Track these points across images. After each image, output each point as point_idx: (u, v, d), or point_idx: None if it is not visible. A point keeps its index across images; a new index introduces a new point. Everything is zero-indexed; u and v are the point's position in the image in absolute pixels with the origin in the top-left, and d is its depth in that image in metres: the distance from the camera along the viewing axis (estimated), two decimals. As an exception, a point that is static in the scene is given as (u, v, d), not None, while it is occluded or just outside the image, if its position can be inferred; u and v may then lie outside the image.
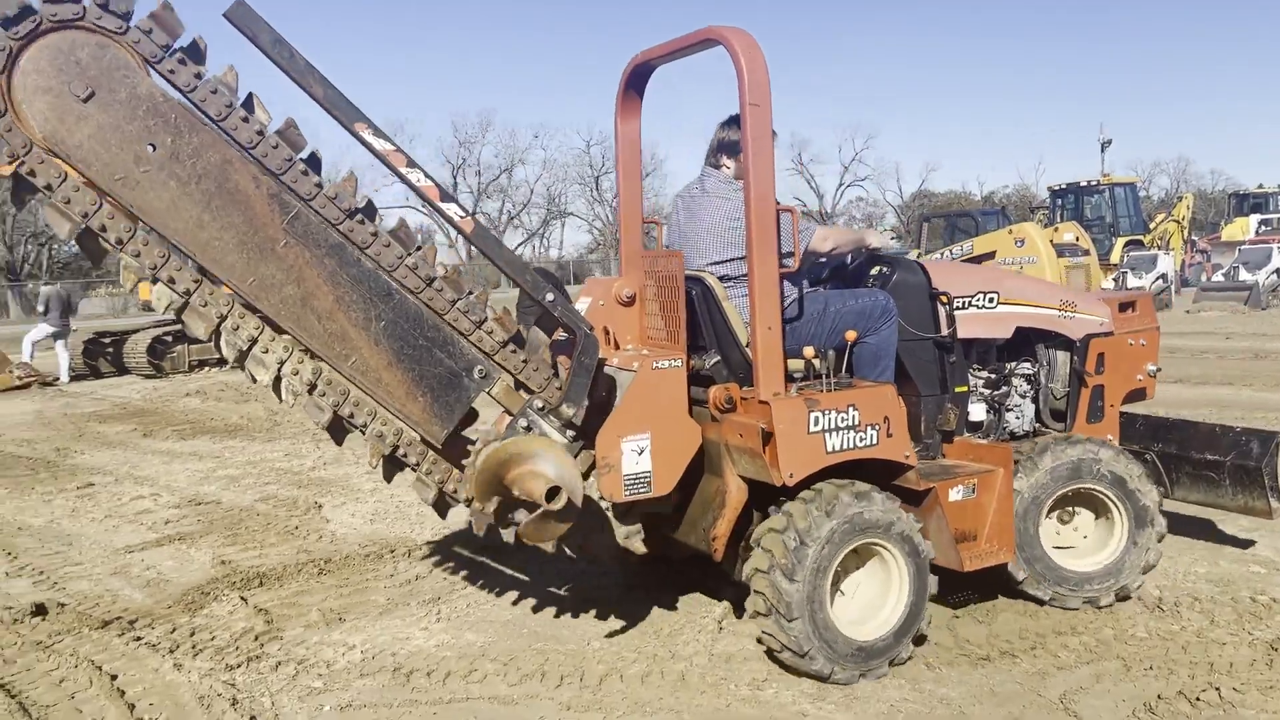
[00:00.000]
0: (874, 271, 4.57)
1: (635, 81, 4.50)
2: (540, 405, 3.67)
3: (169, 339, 15.35)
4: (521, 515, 3.57)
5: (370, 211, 3.42)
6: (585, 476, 3.75)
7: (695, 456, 3.92)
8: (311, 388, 3.41)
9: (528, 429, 3.66)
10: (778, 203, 4.07)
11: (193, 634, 4.51)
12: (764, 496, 3.88)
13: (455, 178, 66.43)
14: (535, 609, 4.62)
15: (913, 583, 3.85)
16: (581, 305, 4.20)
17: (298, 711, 3.72)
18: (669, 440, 3.80)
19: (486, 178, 67.10)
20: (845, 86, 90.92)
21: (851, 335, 4.03)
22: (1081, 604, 4.33)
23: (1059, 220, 24.03)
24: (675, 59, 4.26)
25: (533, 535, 3.58)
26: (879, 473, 3.99)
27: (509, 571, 5.16)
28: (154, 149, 3.07)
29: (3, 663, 4.25)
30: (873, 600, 3.92)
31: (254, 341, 3.33)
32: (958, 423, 4.55)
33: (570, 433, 3.71)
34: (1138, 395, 5.11)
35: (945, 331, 4.48)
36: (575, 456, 3.71)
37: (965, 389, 4.60)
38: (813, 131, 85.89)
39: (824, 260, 4.48)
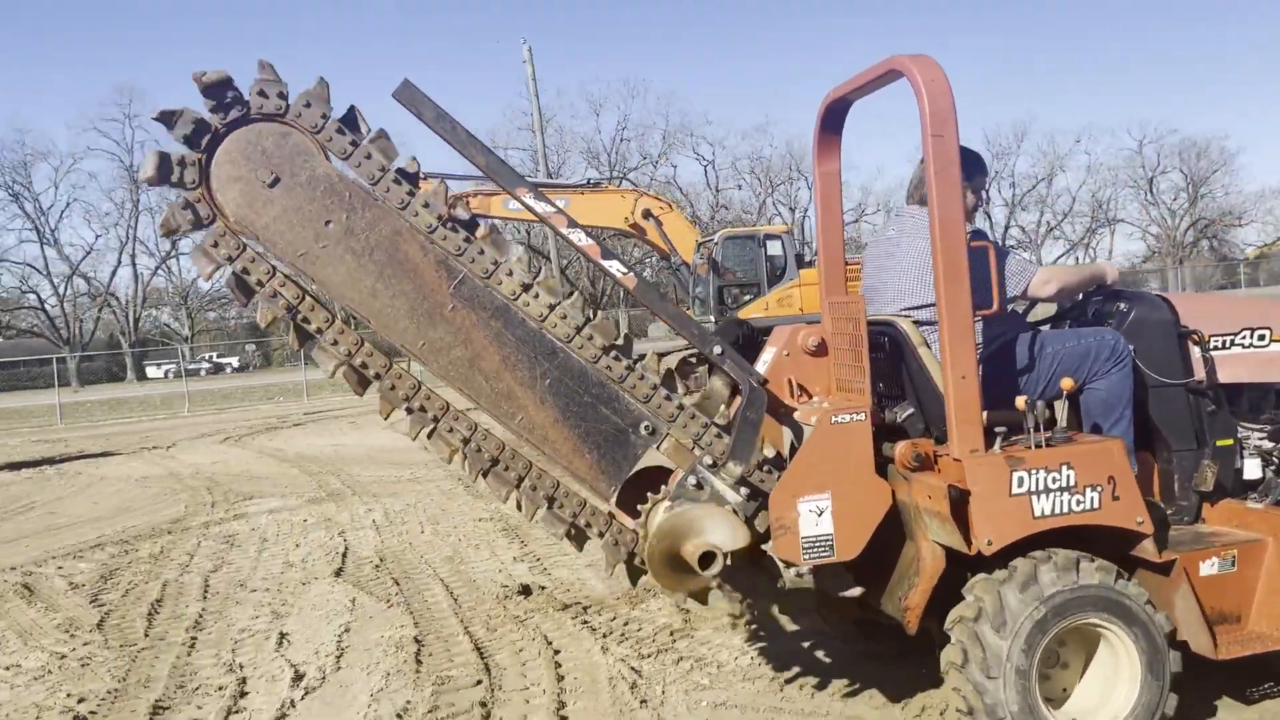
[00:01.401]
0: (1111, 309, 4.04)
1: (830, 120, 4.30)
2: (710, 462, 3.54)
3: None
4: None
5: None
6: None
7: (895, 518, 3.62)
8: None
9: (698, 486, 3.53)
10: (985, 237, 3.74)
11: (626, 624, 5.28)
12: (974, 566, 3.49)
13: (988, 191, 67.61)
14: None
15: (1146, 670, 3.30)
16: (767, 355, 4.03)
17: (680, 703, 4.25)
18: (853, 501, 3.52)
19: (1022, 188, 66.92)
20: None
21: (1068, 384, 3.56)
22: None
23: None
24: (866, 93, 4.03)
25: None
26: (1111, 543, 3.50)
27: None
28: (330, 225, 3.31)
29: (487, 630, 5.37)
30: (1100, 690, 3.40)
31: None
32: (1227, 483, 3.90)
33: (744, 490, 3.54)
34: None
35: (1198, 376, 3.86)
36: (753, 516, 3.54)
37: (1230, 442, 3.92)
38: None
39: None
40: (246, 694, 4.70)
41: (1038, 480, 3.34)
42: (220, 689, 4.75)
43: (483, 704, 4.33)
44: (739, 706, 4.16)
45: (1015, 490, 3.33)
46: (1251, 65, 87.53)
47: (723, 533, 3.32)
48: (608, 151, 58.36)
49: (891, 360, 3.85)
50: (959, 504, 3.33)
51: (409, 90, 3.29)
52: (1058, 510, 3.35)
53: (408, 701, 4.42)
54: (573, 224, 3.43)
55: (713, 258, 18.08)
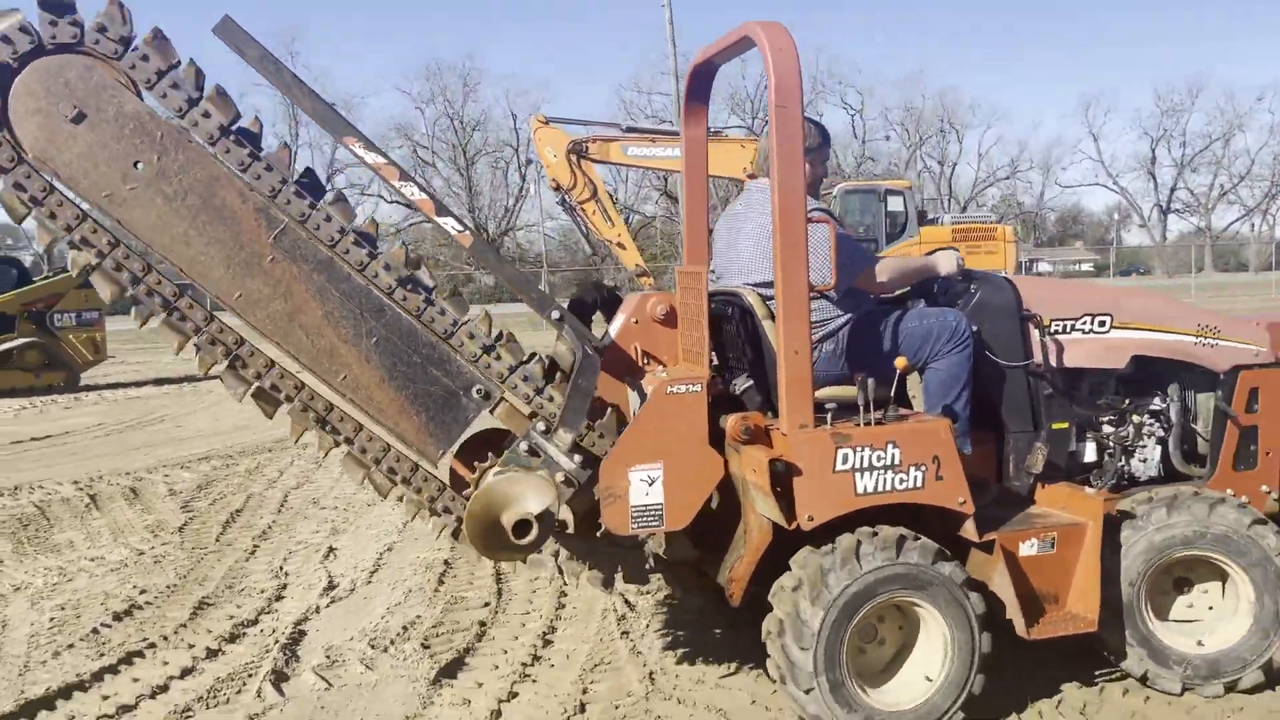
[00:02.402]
0: (960, 289, 4.05)
1: (696, 85, 4.23)
2: (544, 428, 3.48)
3: None
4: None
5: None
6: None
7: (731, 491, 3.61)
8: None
9: (531, 452, 3.47)
10: (829, 214, 3.71)
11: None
12: (812, 540, 3.49)
13: (1154, 150, 65.43)
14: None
15: (957, 648, 3.35)
16: (618, 322, 3.97)
17: (657, 640, 4.33)
18: (685, 472, 3.49)
19: (1193, 148, 64.15)
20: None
21: (902, 363, 3.56)
22: (1180, 690, 3.62)
23: None
24: (725, 59, 3.96)
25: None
26: (936, 521, 3.53)
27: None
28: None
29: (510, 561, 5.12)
30: (913, 666, 3.45)
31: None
32: (1063, 466, 3.96)
33: (579, 457, 3.49)
34: None
35: (1037, 359, 3.90)
36: (588, 484, 3.50)
37: (1065, 425, 3.98)
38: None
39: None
40: (282, 598, 5.25)
41: (862, 458, 3.34)
42: (262, 591, 5.35)
43: (482, 623, 4.72)
44: (713, 645, 4.29)
45: (839, 467, 3.33)
46: None
47: (538, 501, 3.26)
48: (751, 99, 56.92)
49: (739, 333, 3.82)
50: (784, 478, 3.33)
51: (229, 27, 3.12)
52: (880, 488, 3.36)
53: (418, 616, 4.84)
54: (405, 176, 3.31)
55: (829, 211, 17.96)
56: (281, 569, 5.76)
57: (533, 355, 3.50)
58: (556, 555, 3.87)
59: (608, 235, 17.87)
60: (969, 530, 3.48)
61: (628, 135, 17.04)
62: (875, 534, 3.33)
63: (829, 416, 3.43)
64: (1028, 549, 3.56)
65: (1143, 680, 3.67)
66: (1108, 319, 4.00)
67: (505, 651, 4.40)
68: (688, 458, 3.49)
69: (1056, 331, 3.94)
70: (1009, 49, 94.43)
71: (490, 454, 3.65)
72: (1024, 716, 3.56)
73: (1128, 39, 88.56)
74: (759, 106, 55.99)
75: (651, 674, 4.07)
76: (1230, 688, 3.63)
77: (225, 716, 3.86)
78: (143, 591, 5.38)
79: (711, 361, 3.81)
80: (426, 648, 4.44)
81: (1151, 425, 4.15)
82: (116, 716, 3.86)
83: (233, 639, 4.64)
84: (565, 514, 3.56)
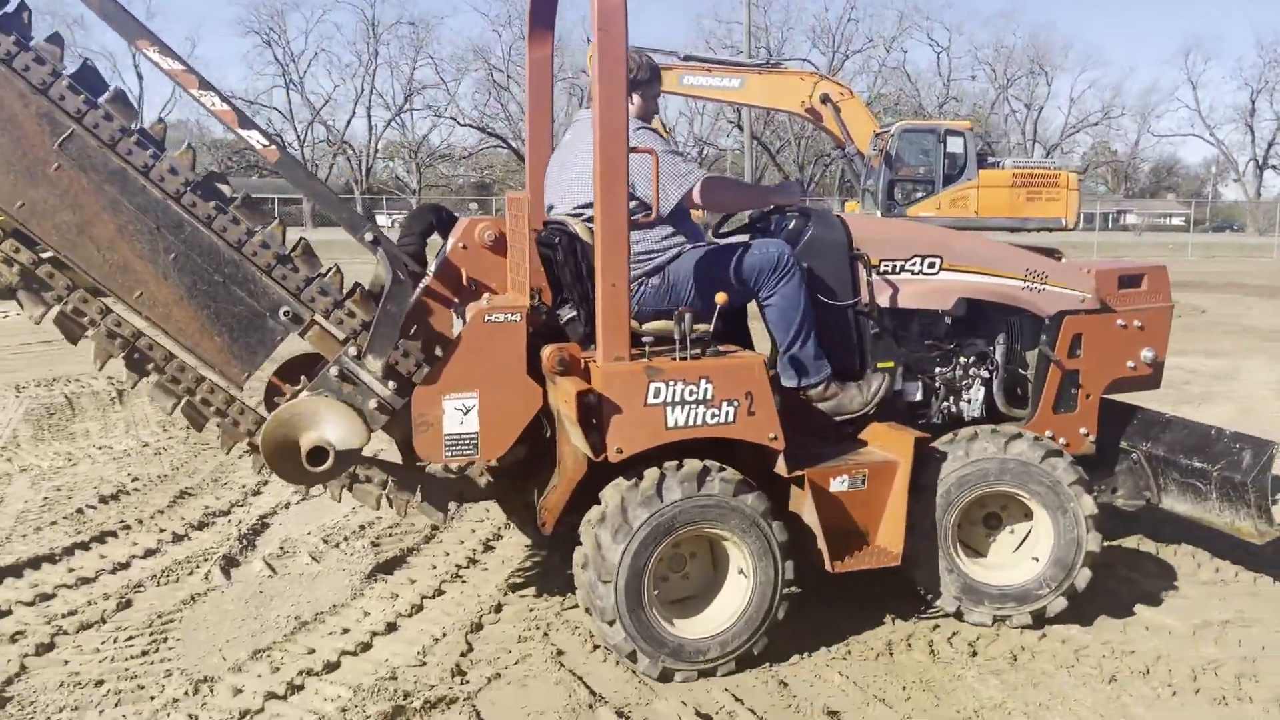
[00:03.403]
0: (793, 225, 4.04)
1: (539, 6, 4.11)
2: (355, 353, 3.40)
3: None
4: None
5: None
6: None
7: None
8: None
9: (342, 377, 3.39)
10: (659, 141, 3.65)
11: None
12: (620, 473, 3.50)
13: (1254, 102, 63.15)
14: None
15: (761, 579, 3.41)
16: (447, 247, 3.88)
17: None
18: (501, 401, 3.46)
19: None
20: None
21: (721, 298, 3.55)
22: (1031, 619, 3.77)
23: None
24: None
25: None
26: (750, 455, 3.57)
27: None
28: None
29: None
30: (719, 595, 3.51)
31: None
32: (890, 404, 4.02)
33: (393, 384, 3.43)
34: (1137, 384, 4.42)
35: (865, 299, 3.92)
36: (403, 410, 3.44)
37: (891, 365, 4.03)
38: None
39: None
40: (260, 493, 5.49)
41: (675, 392, 3.35)
42: (243, 487, 5.60)
43: (435, 528, 4.89)
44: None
45: (651, 400, 3.33)
46: None
47: (338, 429, 3.20)
48: (832, 32, 55.72)
49: (566, 262, 3.76)
50: (595, 410, 3.32)
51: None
52: (692, 422, 3.38)
53: (379, 517, 4.95)
54: (205, 85, 3.14)
55: (887, 150, 17.26)
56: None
57: (332, 269, 3.40)
58: (385, 485, 3.83)
59: None
60: (780, 466, 3.53)
61: (684, 63, 16.67)
62: (679, 467, 3.34)
63: (646, 350, 3.43)
64: (839, 485, 3.62)
65: (957, 615, 3.79)
66: (937, 261, 4.03)
67: (448, 554, 4.60)
68: (505, 387, 3.46)
69: (886, 272, 3.97)
70: None
71: (304, 377, 3.57)
72: (915, 645, 3.67)
73: None
74: (839, 40, 55.03)
75: (586, 609, 4.09)
76: (1038, 616, 3.78)
77: (171, 592, 4.12)
78: (135, 479, 5.72)
79: (539, 291, 3.77)
80: (376, 545, 4.69)
81: (977, 367, 4.23)
82: (74, 586, 4.16)
83: (201, 527, 4.96)
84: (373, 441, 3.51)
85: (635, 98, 3.84)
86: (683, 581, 3.57)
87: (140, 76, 54.75)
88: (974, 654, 3.62)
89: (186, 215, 3.20)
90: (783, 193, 3.99)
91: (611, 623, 3.31)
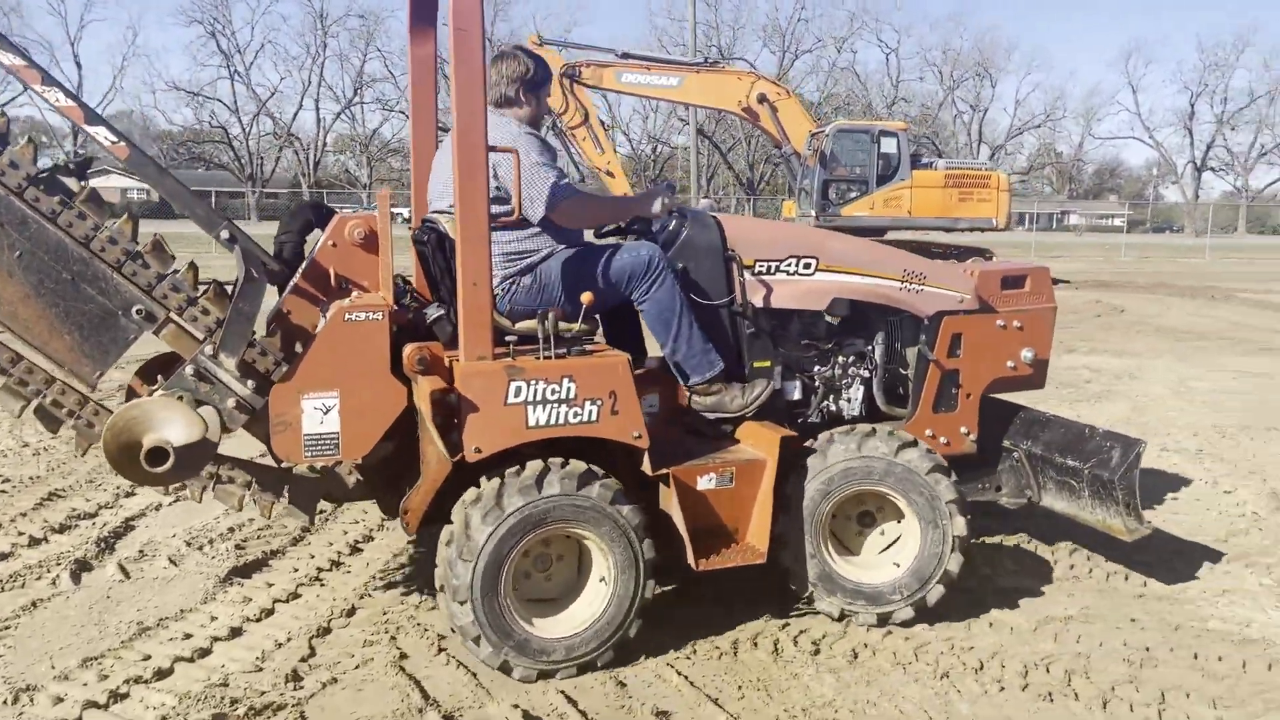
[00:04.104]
0: (670, 226, 4.05)
1: (419, 4, 4.08)
2: (211, 352, 3.35)
3: None
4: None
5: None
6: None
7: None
8: None
9: (198, 376, 3.34)
10: (536, 145, 3.64)
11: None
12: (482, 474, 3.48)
13: (1193, 105, 63.54)
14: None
15: (621, 581, 3.42)
16: (318, 245, 3.85)
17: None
18: (363, 401, 3.44)
19: (1235, 105, 62.45)
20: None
21: (588, 298, 3.55)
22: (876, 619, 3.80)
23: None
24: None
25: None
26: (619, 454, 3.58)
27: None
28: None
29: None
30: (580, 595, 3.51)
31: None
32: (769, 404, 4.03)
33: (251, 383, 3.39)
34: (1019, 384, 4.48)
35: (740, 299, 3.94)
36: (263, 410, 3.40)
37: (768, 364, 4.06)
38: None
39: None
40: (132, 495, 5.33)
41: (536, 391, 3.35)
42: (117, 489, 5.42)
43: (306, 530, 4.79)
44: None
45: (511, 399, 3.33)
46: None
47: (178, 429, 3.15)
48: (783, 32, 56.19)
49: (436, 261, 3.74)
50: (455, 410, 3.31)
51: None
52: (554, 421, 3.37)
53: (250, 519, 4.89)
54: (49, 80, 3.08)
55: (823, 150, 17.25)
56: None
57: (187, 265, 3.36)
58: (249, 486, 3.79)
59: (597, 163, 17.51)
60: (646, 465, 3.54)
61: (622, 61, 16.63)
62: (565, 464, 3.36)
63: (511, 349, 3.42)
64: (706, 483, 3.63)
65: (809, 602, 3.83)
66: (813, 261, 4.07)
67: (312, 557, 4.51)
68: (366, 387, 3.44)
69: (761, 272, 3.99)
70: None
71: (160, 377, 3.51)
72: (761, 644, 3.67)
73: None
74: (790, 40, 55.38)
75: (440, 586, 4.07)
76: (884, 619, 3.81)
77: (13, 599, 3.98)
78: (6, 480, 5.56)
79: (410, 289, 3.76)
80: (240, 548, 4.58)
81: (857, 366, 4.28)
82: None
83: (62, 529, 4.81)
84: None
85: (531, 98, 3.84)
86: (545, 582, 3.56)
87: (79, 65, 53.69)
88: (816, 652, 3.64)
89: (30, 211, 3.13)
90: (647, 202, 3.94)
91: (463, 603, 3.30)
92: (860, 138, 18.30)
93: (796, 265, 4.05)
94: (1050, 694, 3.36)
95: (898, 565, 3.84)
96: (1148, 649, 3.69)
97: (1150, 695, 3.34)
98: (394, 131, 61.49)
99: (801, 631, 3.77)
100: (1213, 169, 67.07)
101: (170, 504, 5.19)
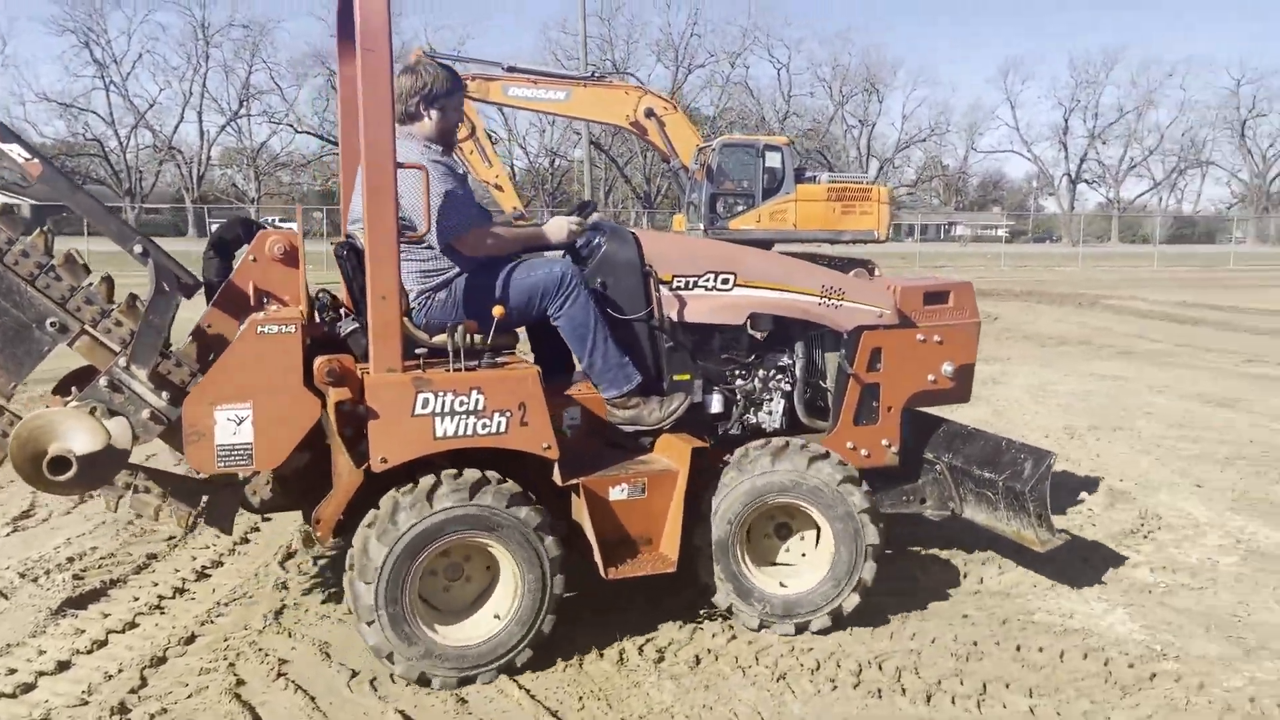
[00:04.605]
0: (591, 243, 4.14)
1: (344, 23, 4.13)
2: (124, 363, 3.39)
3: None
4: None
5: None
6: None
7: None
8: None
9: (113, 387, 3.37)
10: (444, 164, 3.76)
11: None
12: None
13: (1067, 120, 66.54)
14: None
15: (528, 588, 3.53)
16: (240, 260, 3.90)
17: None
18: (276, 412, 3.47)
19: (1105, 120, 65.51)
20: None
21: (499, 311, 3.67)
22: (794, 629, 3.92)
23: None
24: None
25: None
26: (536, 466, 3.68)
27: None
28: None
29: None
30: (487, 604, 3.62)
31: None
32: (689, 416, 4.12)
33: (166, 394, 3.44)
34: (942, 397, 4.57)
35: (659, 313, 4.05)
36: (178, 421, 3.45)
37: (687, 377, 4.17)
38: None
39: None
40: None
41: (444, 403, 3.43)
42: None
43: (152, 555, 4.73)
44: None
45: (419, 411, 3.41)
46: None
47: (80, 439, 3.18)
48: (676, 47, 56.13)
49: (354, 276, 3.83)
50: (362, 421, 3.39)
51: None
52: (462, 432, 3.46)
53: (93, 547, 4.84)
54: None
55: (709, 164, 17.18)
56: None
57: (101, 278, 3.40)
58: (165, 496, 3.81)
59: (485, 177, 17.15)
60: (556, 475, 3.65)
61: (508, 75, 16.37)
62: (456, 475, 3.43)
63: (422, 362, 3.54)
64: (618, 493, 3.74)
65: (728, 612, 3.95)
66: (731, 277, 4.16)
67: (156, 584, 4.40)
68: (279, 398, 3.48)
69: (680, 287, 4.09)
70: (935, 5, 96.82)
71: (74, 388, 3.53)
72: (606, 655, 3.76)
73: (1051, 6, 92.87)
74: (683, 55, 55.74)
75: (281, 609, 4.10)
76: (801, 628, 3.94)
77: None
78: None
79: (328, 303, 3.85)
80: (79, 578, 4.45)
81: (777, 379, 4.40)
82: None
83: None
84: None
85: (433, 112, 3.90)
86: (462, 589, 3.65)
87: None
88: (660, 660, 3.72)
89: None
90: (556, 231, 4.02)
91: (370, 623, 3.37)
92: (746, 152, 18.64)
93: (715, 280, 4.14)
94: (879, 691, 3.49)
95: (813, 575, 3.96)
96: (975, 643, 3.86)
97: (973, 687, 3.51)
98: (283, 144, 60.06)
99: (648, 640, 3.86)
100: (1087, 181, 71.44)
101: (8, 535, 5.00)
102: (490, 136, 16.24)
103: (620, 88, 17.91)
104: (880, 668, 3.69)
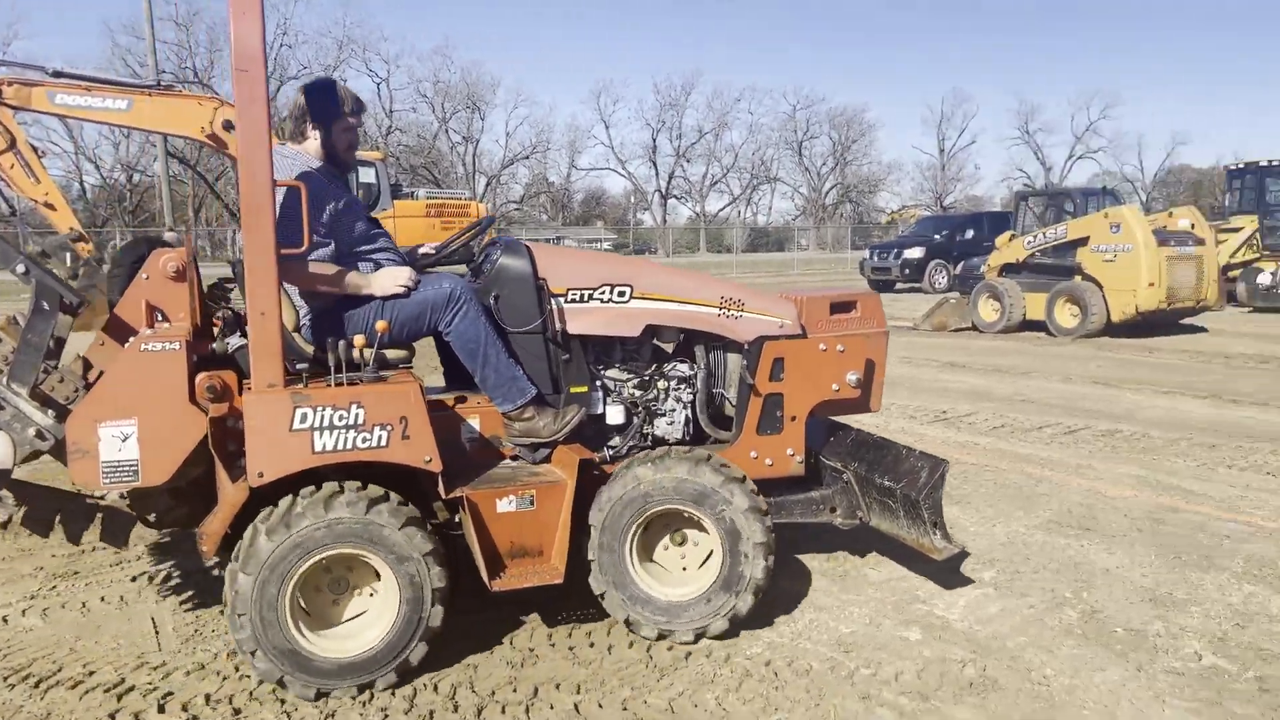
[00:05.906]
0: (490, 257, 4.19)
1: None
2: (5, 381, 3.46)
3: None
4: None
5: None
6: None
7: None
8: None
9: (-3, 406, 3.46)
10: (323, 181, 3.77)
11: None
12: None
13: (655, 140, 71.34)
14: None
15: (404, 601, 3.51)
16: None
17: None
18: (162, 429, 3.54)
19: (688, 140, 70.62)
20: (1082, 49, 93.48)
21: (381, 325, 3.68)
22: (693, 636, 3.90)
23: (1236, 206, 20.80)
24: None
25: None
26: (426, 480, 3.69)
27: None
28: None
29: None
30: (366, 618, 3.61)
31: None
32: (587, 428, 4.15)
33: (51, 412, 3.50)
34: (846, 407, 4.59)
35: (553, 326, 4.06)
36: (58, 439, 3.51)
37: (584, 389, 4.19)
38: (1042, 98, 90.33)
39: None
40: None
41: (323, 417, 3.45)
42: None
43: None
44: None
45: (297, 425, 3.43)
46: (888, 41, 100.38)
47: None
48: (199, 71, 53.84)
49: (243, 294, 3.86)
50: (241, 436, 3.42)
51: None
52: (341, 446, 3.48)
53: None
54: None
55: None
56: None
57: None
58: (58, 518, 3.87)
59: (33, 195, 16.46)
60: (440, 488, 3.65)
61: (54, 80, 15.70)
62: (315, 490, 3.44)
63: (304, 377, 3.54)
64: (505, 505, 3.74)
65: (626, 623, 3.92)
66: (628, 289, 4.19)
67: None
68: (165, 415, 3.54)
69: (575, 300, 4.12)
70: (529, 27, 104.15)
71: None
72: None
73: (634, 34, 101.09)
74: (274, 66, 53.57)
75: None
76: (700, 634, 3.92)
77: None
78: None
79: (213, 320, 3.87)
80: None
81: (678, 390, 4.40)
82: None
83: None
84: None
85: (316, 132, 3.99)
86: (341, 600, 3.65)
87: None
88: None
89: None
90: (384, 283, 3.90)
91: (253, 653, 3.39)
92: None
93: (611, 293, 4.17)
94: (432, 712, 3.40)
95: (707, 580, 3.94)
96: (531, 649, 3.85)
97: (525, 693, 3.50)
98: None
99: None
100: (676, 196, 75.53)
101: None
102: (36, 150, 14.69)
103: (193, 98, 17.17)
104: (436, 689, 3.58)
